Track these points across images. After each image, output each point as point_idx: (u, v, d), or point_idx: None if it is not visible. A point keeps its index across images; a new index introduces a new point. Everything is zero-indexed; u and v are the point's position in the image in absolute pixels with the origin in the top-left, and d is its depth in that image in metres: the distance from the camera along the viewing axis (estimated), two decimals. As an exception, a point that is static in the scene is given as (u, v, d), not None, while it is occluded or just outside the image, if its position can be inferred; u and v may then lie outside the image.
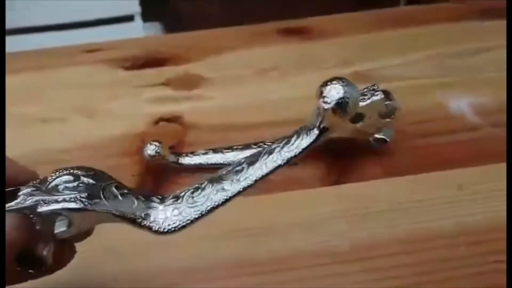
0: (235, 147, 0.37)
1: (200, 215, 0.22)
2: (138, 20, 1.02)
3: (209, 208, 0.23)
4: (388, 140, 0.35)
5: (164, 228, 0.22)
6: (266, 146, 0.37)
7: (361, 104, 0.34)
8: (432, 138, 0.38)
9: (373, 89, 0.34)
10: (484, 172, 0.35)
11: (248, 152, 0.36)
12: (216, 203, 0.23)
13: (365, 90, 0.34)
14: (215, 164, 0.36)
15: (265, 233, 0.32)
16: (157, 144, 0.35)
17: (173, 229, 0.22)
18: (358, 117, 0.34)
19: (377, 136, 0.35)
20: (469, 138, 0.38)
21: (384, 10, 0.56)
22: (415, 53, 0.48)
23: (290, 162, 0.23)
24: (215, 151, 0.36)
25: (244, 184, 0.23)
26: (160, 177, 0.36)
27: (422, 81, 0.44)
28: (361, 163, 0.36)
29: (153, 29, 1.02)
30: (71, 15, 0.99)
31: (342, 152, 0.37)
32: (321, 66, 0.47)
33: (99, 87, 0.46)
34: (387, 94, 0.34)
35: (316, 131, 0.23)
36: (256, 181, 0.23)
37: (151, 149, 0.35)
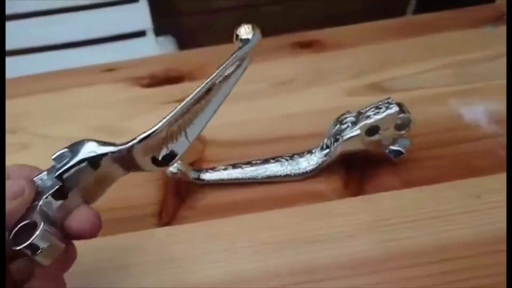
0: (253, 162, 0.38)
1: None
2: (151, 35, 1.04)
3: None
4: (404, 151, 0.36)
5: None
6: (284, 160, 0.38)
7: (376, 117, 0.34)
8: (448, 148, 0.39)
9: (388, 102, 0.34)
10: (502, 180, 0.35)
11: (266, 167, 0.37)
12: None
13: (380, 103, 0.35)
14: (235, 179, 0.37)
15: (287, 246, 0.33)
16: (179, 161, 0.36)
17: None
18: (373, 130, 0.35)
19: (393, 147, 0.36)
20: (486, 146, 0.38)
21: (395, 20, 0.56)
22: (428, 62, 0.48)
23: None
24: (234, 166, 0.37)
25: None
26: (182, 193, 0.37)
27: (437, 90, 0.44)
28: (379, 175, 0.37)
29: (166, 44, 1.03)
30: (85, 32, 1.01)
31: (360, 164, 0.37)
32: (335, 78, 0.47)
33: (118, 105, 0.47)
34: (401, 106, 0.35)
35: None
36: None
37: (173, 167, 0.36)
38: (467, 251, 0.31)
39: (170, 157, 0.26)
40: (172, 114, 0.25)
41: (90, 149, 0.25)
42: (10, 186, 0.23)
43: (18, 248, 0.22)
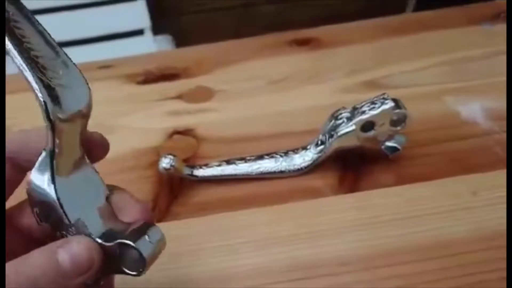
0: (248, 158, 0.37)
1: None
2: (148, 34, 1.04)
3: None
4: (399, 147, 0.36)
5: None
6: (278, 156, 0.38)
7: (371, 112, 0.34)
8: (444, 145, 0.38)
9: (383, 98, 0.34)
10: (498, 177, 0.35)
11: (260, 163, 0.37)
12: None
13: (375, 98, 0.35)
14: (229, 175, 0.37)
15: (281, 242, 0.32)
16: (171, 157, 0.35)
17: None
18: (368, 126, 0.35)
19: (388, 144, 0.36)
20: (482, 143, 0.38)
21: (392, 18, 0.56)
22: (425, 59, 0.48)
23: None
24: (228, 162, 0.37)
25: None
26: (175, 190, 0.37)
27: (433, 87, 0.44)
28: (374, 171, 0.37)
29: (163, 43, 1.03)
30: (83, 31, 1.01)
31: (355, 160, 0.37)
32: (331, 75, 0.47)
33: (114, 102, 0.47)
34: (396, 102, 0.34)
35: None
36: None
37: (165, 163, 0.35)
38: (463, 248, 0.31)
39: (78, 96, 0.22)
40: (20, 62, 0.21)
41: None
42: (77, 257, 0.20)
43: (137, 274, 0.21)
